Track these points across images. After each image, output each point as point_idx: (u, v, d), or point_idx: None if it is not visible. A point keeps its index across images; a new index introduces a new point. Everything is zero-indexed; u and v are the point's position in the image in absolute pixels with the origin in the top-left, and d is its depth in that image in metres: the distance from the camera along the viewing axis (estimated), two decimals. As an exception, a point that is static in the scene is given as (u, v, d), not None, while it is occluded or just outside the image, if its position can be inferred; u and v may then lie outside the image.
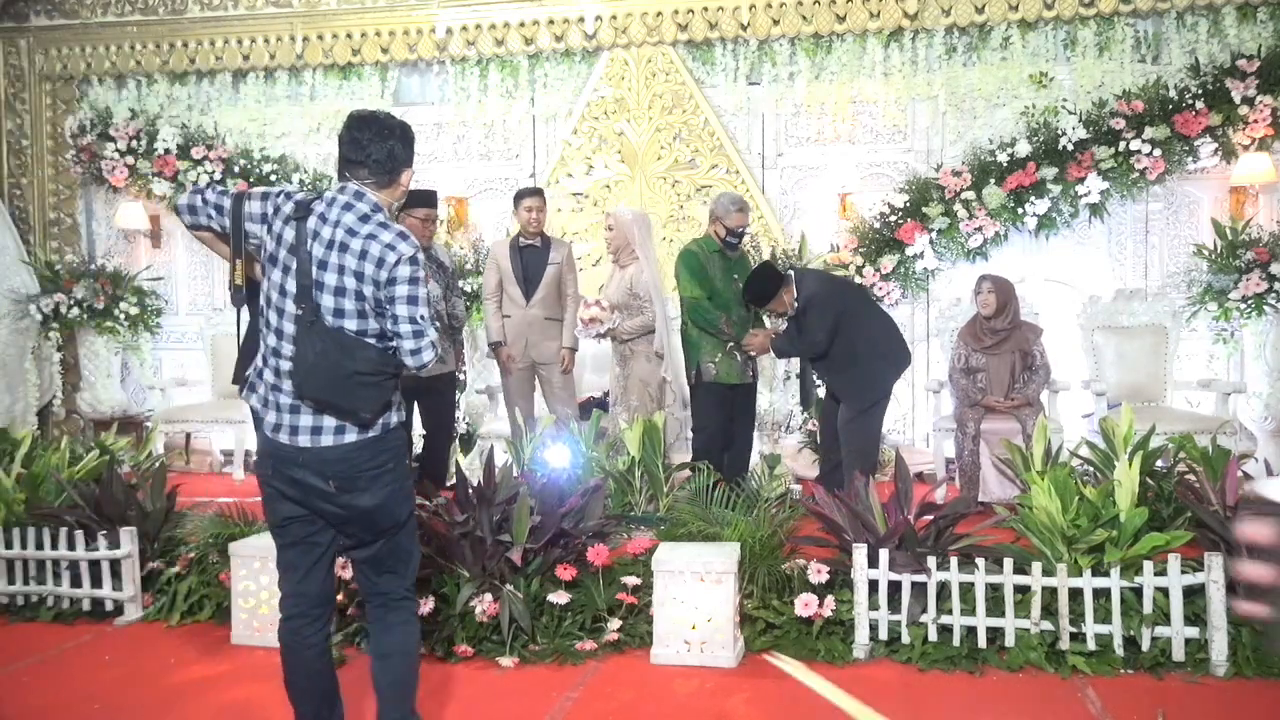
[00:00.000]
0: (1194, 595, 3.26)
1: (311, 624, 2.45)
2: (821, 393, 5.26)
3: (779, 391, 6.35)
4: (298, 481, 2.34)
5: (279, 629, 2.48)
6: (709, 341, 4.83)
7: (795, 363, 6.40)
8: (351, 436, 2.32)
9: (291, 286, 2.31)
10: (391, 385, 2.36)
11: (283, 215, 2.35)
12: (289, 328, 2.31)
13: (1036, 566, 3.30)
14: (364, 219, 2.33)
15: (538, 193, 5.37)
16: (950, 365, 5.41)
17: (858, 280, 6.07)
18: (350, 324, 2.30)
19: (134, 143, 7.16)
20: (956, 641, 3.33)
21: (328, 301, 2.29)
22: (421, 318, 2.31)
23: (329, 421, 2.32)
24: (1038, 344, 5.17)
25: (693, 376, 4.88)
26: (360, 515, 2.37)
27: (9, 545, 4.09)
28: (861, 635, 3.38)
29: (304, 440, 2.32)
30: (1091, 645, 3.25)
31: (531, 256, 5.30)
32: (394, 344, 2.33)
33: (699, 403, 4.91)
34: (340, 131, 2.45)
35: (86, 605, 3.99)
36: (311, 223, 2.32)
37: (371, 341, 2.33)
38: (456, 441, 6.49)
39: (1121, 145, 5.97)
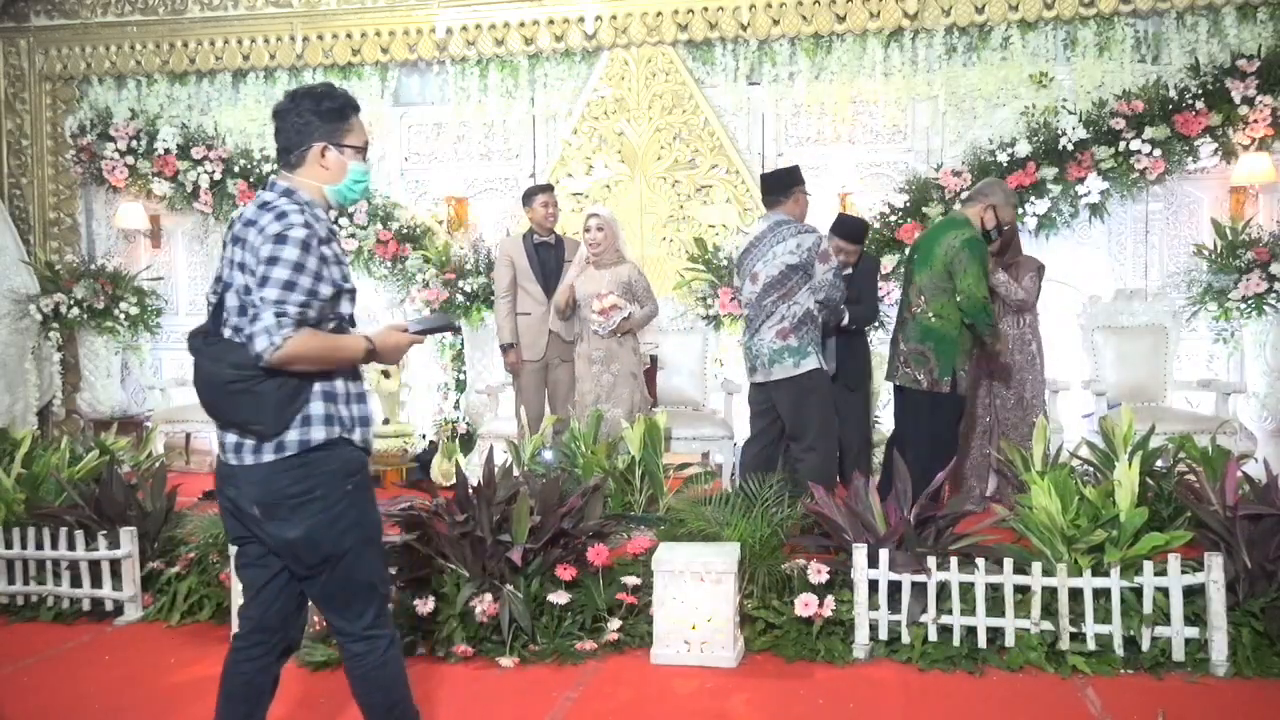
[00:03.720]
0: (1194, 595, 3.26)
1: (248, 649, 2.29)
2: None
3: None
4: (233, 501, 2.22)
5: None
6: (966, 345, 4.32)
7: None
8: (269, 455, 2.14)
9: None
10: (275, 390, 2.12)
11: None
12: None
13: (1036, 566, 3.31)
14: (262, 206, 2.17)
15: (549, 189, 5.42)
16: None
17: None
18: (242, 322, 2.14)
19: (134, 143, 7.17)
20: (956, 641, 3.33)
21: (231, 301, 2.17)
22: (263, 300, 2.07)
23: (249, 439, 2.16)
24: (1031, 275, 5.01)
25: (945, 384, 4.27)
26: (285, 547, 2.19)
27: (9, 545, 4.10)
28: (861, 635, 3.38)
29: (232, 457, 2.18)
30: (1091, 645, 3.25)
31: (547, 254, 5.31)
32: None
33: (943, 415, 4.33)
34: None
35: (86, 605, 3.99)
36: (234, 230, 2.22)
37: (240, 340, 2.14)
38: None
39: (1121, 145, 5.98)
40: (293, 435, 2.14)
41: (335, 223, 6.67)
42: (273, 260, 2.08)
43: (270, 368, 2.09)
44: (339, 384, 2.22)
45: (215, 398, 2.16)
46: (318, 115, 2.27)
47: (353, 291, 2.27)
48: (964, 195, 4.43)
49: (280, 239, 2.09)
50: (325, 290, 2.14)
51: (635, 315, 5.00)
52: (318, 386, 2.17)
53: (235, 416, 2.15)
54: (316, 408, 2.17)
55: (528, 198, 5.36)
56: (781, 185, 4.45)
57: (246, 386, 2.12)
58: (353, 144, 2.30)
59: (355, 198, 2.35)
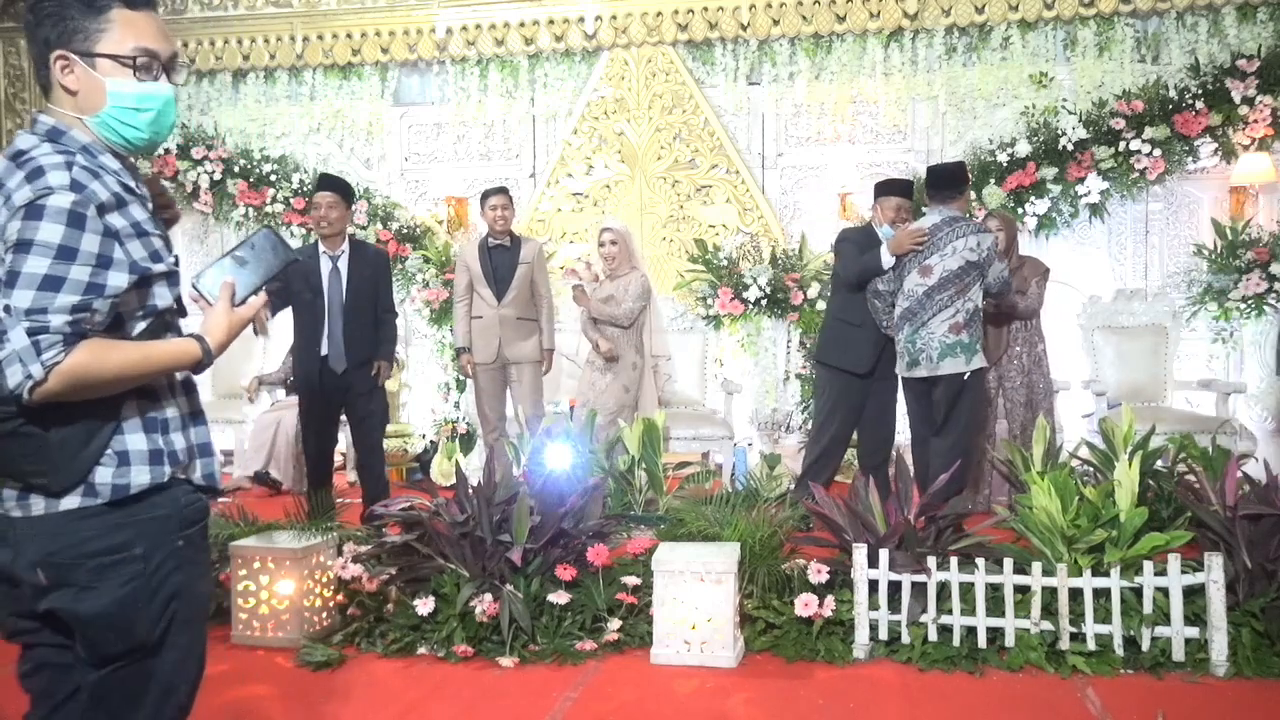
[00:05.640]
0: (1194, 595, 3.26)
1: None
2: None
3: (779, 391, 6.36)
4: (3, 570, 1.54)
5: None
6: None
7: (794, 361, 6.40)
8: (71, 501, 1.50)
9: None
10: (62, 429, 1.48)
11: None
12: None
13: (1036, 566, 3.30)
14: (15, 157, 1.50)
15: (502, 191, 5.35)
16: None
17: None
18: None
19: (134, 143, 7.16)
20: (956, 641, 3.32)
21: None
22: (12, 309, 1.41)
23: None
24: (1037, 280, 5.01)
25: None
26: (78, 626, 1.53)
27: (9, 545, 4.08)
28: (861, 635, 3.38)
29: (13, 506, 1.52)
30: (1091, 645, 3.25)
31: (501, 256, 5.30)
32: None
33: None
34: None
35: (86, 605, 3.99)
36: None
37: None
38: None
39: (1121, 145, 5.98)
40: (104, 476, 1.51)
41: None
42: (23, 246, 1.41)
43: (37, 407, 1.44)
44: (169, 405, 1.60)
45: None
46: (52, 7, 1.52)
47: (171, 274, 1.59)
48: None
49: (32, 212, 1.41)
50: (118, 280, 1.47)
51: (597, 302, 4.99)
52: (134, 411, 1.55)
53: (6, 467, 1.52)
54: (134, 441, 1.54)
55: (481, 201, 5.36)
56: (952, 182, 4.49)
57: (14, 428, 1.47)
58: (110, 51, 1.53)
59: (142, 137, 1.59)
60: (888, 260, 4.49)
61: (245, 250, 1.67)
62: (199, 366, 1.60)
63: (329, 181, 4.82)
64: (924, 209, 4.82)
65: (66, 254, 1.42)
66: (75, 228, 1.43)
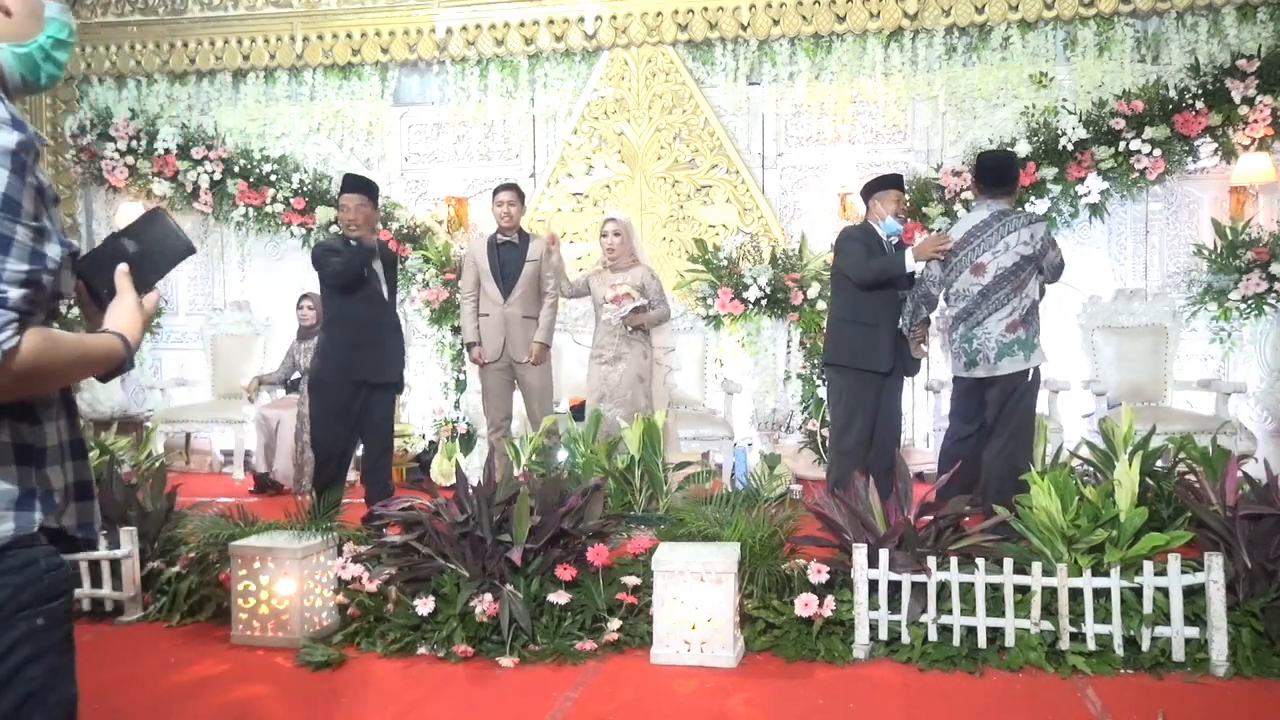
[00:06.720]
0: (1194, 595, 3.26)
1: None
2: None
3: (779, 391, 6.36)
4: None
5: None
6: None
7: (794, 361, 6.41)
8: None
9: None
10: None
11: None
12: None
13: (1036, 566, 3.30)
14: None
15: (511, 188, 5.32)
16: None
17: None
18: None
19: (134, 143, 7.17)
20: (956, 641, 3.32)
21: None
22: None
23: None
24: None
25: None
26: None
27: (9, 545, 4.08)
28: (861, 635, 3.38)
29: None
30: (1091, 645, 3.25)
31: (509, 253, 5.28)
32: None
33: None
34: None
35: (86, 605, 3.99)
36: None
37: None
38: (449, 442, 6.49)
39: (1121, 145, 5.99)
40: None
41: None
42: None
43: None
44: (49, 427, 1.24)
45: None
46: None
47: (76, 255, 1.30)
48: None
49: None
50: (54, 252, 1.18)
51: (650, 313, 5.00)
52: (6, 436, 1.17)
53: None
54: (2, 476, 1.17)
55: (492, 197, 5.36)
56: (1004, 176, 4.40)
57: None
58: None
59: (56, 75, 1.35)
60: (911, 264, 4.45)
61: (137, 235, 1.40)
62: (119, 369, 1.29)
63: (357, 183, 4.75)
64: (971, 203, 4.74)
65: (11, 208, 1.10)
66: (18, 176, 1.11)
